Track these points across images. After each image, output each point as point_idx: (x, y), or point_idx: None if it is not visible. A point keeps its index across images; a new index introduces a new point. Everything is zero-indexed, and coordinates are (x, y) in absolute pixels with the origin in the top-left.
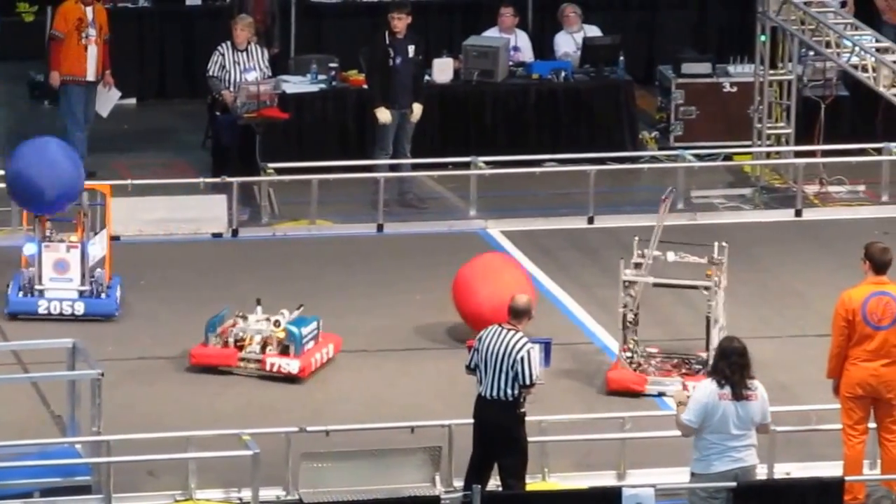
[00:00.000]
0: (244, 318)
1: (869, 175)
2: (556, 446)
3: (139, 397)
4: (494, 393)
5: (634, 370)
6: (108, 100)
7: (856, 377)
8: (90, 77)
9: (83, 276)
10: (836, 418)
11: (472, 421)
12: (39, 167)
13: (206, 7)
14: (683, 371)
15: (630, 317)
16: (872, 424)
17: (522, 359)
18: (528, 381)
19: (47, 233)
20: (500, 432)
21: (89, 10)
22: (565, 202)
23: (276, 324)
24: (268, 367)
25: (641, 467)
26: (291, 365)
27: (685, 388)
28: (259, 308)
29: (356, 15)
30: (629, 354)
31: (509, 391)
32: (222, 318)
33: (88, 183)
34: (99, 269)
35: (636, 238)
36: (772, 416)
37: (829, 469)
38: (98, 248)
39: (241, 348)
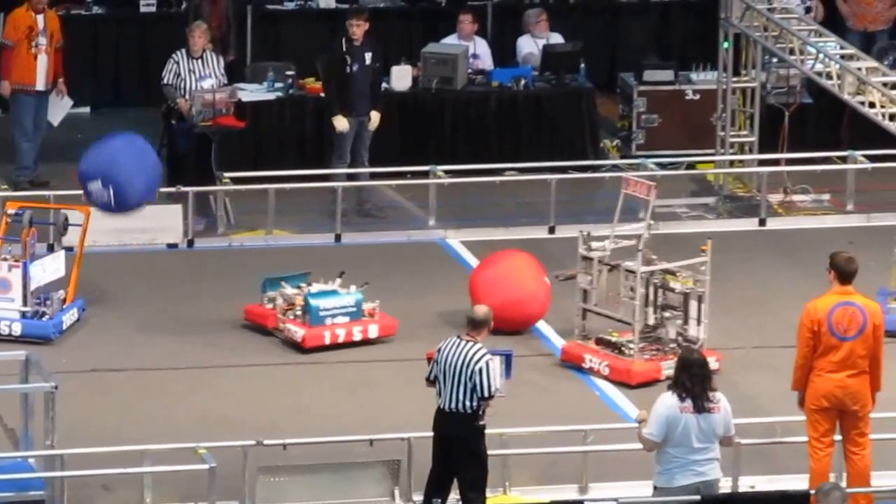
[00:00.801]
0: (309, 285)
1: (834, 184)
2: (517, 459)
3: (93, 410)
4: (454, 405)
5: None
6: (60, 108)
7: (821, 389)
8: (40, 86)
9: (24, 296)
10: (802, 430)
11: (431, 434)
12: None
13: (161, 14)
14: (614, 351)
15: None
16: (838, 437)
17: (481, 370)
18: (486, 393)
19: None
20: (459, 445)
21: (41, 17)
22: (526, 211)
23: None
24: (280, 328)
25: (604, 480)
26: (297, 333)
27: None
28: (339, 280)
29: (313, 21)
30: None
31: (468, 403)
32: (280, 281)
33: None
34: (59, 290)
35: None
36: (736, 428)
37: (795, 482)
38: (52, 269)
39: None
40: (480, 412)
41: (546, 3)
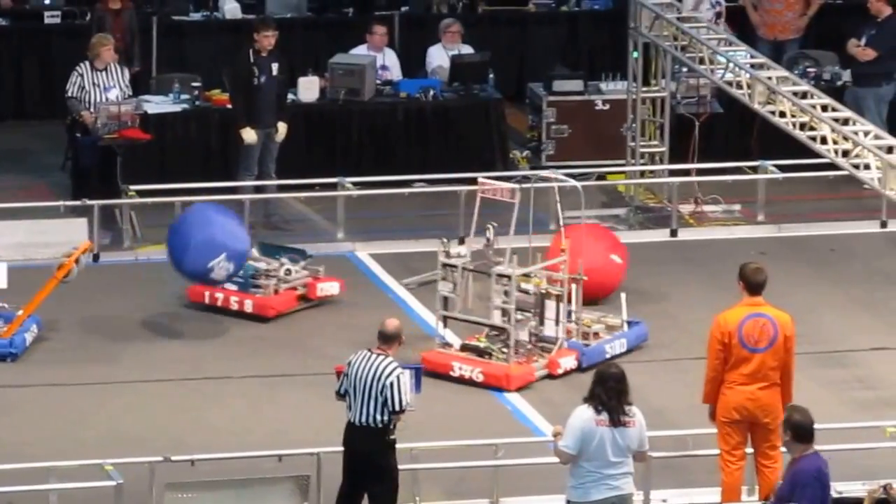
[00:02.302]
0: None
1: (745, 194)
2: (427, 474)
3: None
4: (364, 419)
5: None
6: None
7: (732, 401)
8: None
9: None
10: (713, 443)
11: (341, 449)
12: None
13: (66, 25)
14: (484, 357)
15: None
16: (750, 450)
17: (392, 384)
18: (397, 407)
19: None
20: (369, 459)
21: None
22: (435, 223)
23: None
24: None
25: (515, 495)
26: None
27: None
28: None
29: (218, 33)
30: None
31: (378, 417)
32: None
33: None
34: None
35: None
36: (648, 441)
37: (707, 496)
38: None
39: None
40: (391, 426)
41: (454, 13)
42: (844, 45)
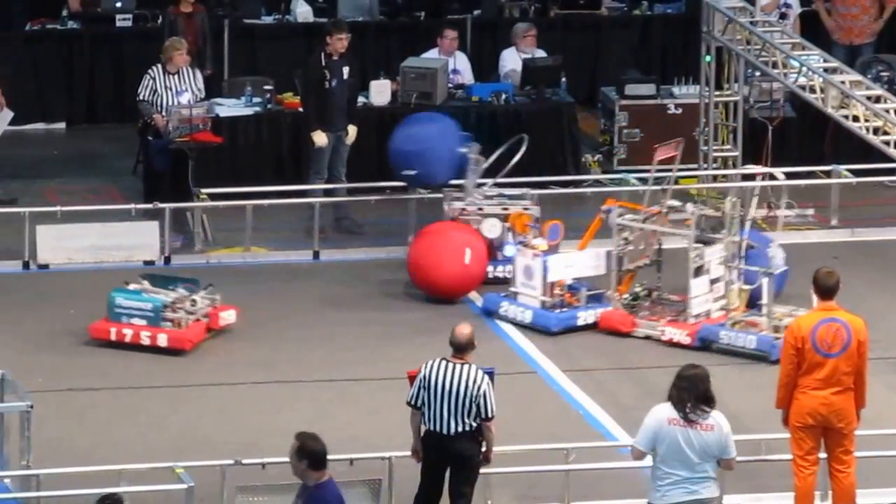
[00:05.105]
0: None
1: (818, 198)
2: (499, 478)
3: (70, 430)
4: (456, 427)
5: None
6: (2, 120)
7: (806, 406)
8: None
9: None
10: (786, 448)
11: (411, 453)
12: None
13: (137, 29)
14: (669, 318)
15: (626, 262)
16: (823, 455)
17: (485, 393)
18: (490, 414)
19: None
20: (462, 464)
21: None
22: None
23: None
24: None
25: (586, 499)
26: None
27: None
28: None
29: (290, 36)
30: (622, 297)
31: (468, 421)
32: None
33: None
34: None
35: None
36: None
37: (780, 500)
38: (582, 265)
39: None
40: (482, 431)
41: (525, 18)
42: None
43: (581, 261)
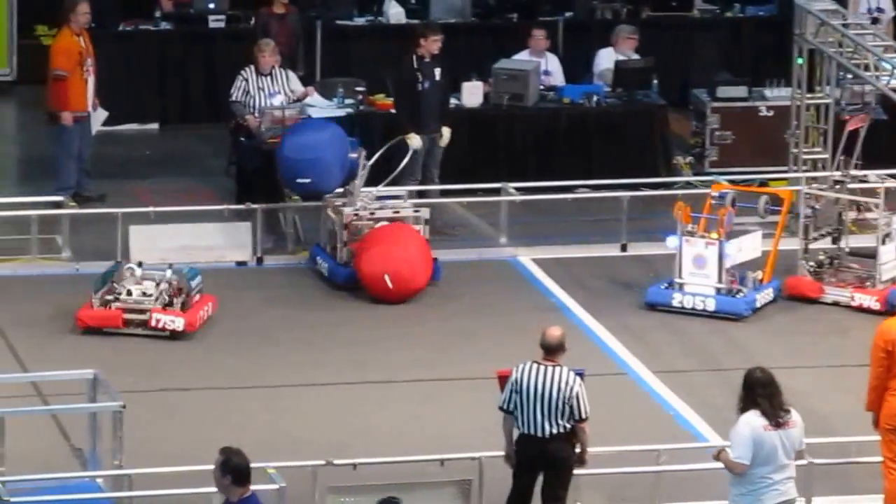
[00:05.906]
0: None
1: None
2: (589, 479)
3: (161, 430)
4: (552, 430)
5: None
6: (96, 120)
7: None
8: (89, 108)
9: (719, 273)
10: (877, 450)
11: (502, 454)
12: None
13: (230, 29)
14: (856, 285)
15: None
16: None
17: (578, 395)
18: (584, 416)
19: (689, 227)
20: (557, 466)
21: (82, 39)
22: (597, 229)
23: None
24: (153, 324)
25: (677, 501)
26: (176, 322)
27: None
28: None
29: (382, 37)
30: (811, 264)
31: (562, 422)
32: (111, 274)
33: None
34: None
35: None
36: (810, 447)
37: (870, 503)
38: (749, 248)
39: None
40: (576, 432)
41: (617, 19)
42: None
43: (747, 245)
